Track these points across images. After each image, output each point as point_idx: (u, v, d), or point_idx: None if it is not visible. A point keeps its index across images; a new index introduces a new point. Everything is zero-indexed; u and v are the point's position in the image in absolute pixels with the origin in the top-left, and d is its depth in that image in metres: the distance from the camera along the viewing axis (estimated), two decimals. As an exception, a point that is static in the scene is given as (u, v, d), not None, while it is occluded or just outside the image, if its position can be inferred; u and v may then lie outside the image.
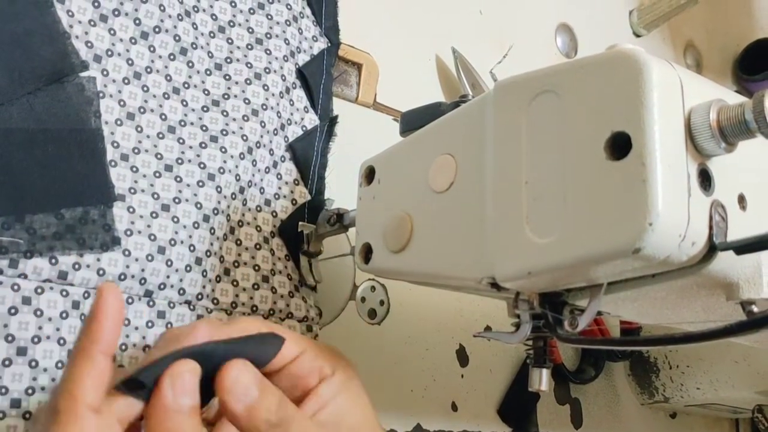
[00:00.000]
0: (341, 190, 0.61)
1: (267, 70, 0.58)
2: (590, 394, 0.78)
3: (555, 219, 0.35)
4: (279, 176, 0.58)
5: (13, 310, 0.43)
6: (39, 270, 0.44)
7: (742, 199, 0.35)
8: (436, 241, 0.43)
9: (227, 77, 0.56)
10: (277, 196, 0.57)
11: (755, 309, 0.36)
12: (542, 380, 0.44)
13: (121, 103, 0.50)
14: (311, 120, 0.61)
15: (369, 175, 0.50)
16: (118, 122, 0.49)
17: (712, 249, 0.33)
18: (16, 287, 0.43)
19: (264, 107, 0.57)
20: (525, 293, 0.40)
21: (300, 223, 0.57)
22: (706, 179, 0.33)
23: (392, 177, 0.48)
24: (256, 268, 0.54)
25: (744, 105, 0.32)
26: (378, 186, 0.48)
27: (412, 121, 0.50)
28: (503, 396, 0.70)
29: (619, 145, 0.33)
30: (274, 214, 0.57)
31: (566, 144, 0.35)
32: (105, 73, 0.49)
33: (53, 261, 0.44)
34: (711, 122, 0.33)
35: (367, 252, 0.48)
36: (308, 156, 0.60)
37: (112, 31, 0.50)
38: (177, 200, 0.51)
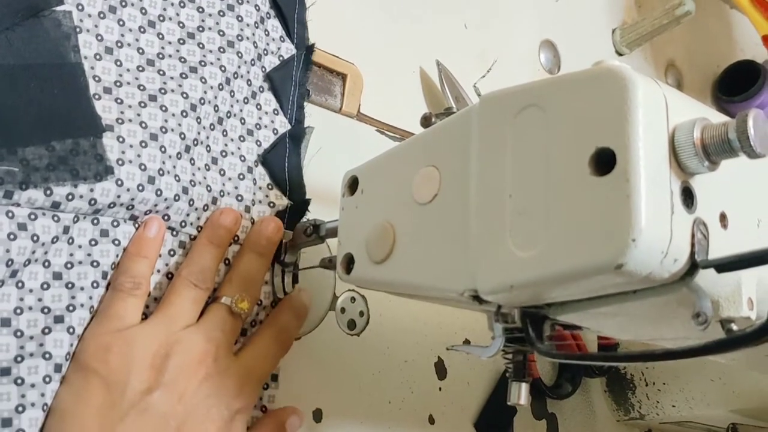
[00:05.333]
0: (323, 199, 0.61)
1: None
2: (567, 410, 0.78)
3: (538, 233, 0.35)
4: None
5: (12, 236, 0.43)
6: (33, 201, 0.44)
7: (723, 218, 0.36)
8: (419, 253, 0.43)
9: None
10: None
11: (734, 327, 0.36)
12: (521, 394, 0.44)
13: (99, 37, 0.50)
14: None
15: (352, 185, 0.49)
16: (97, 57, 0.50)
17: (693, 266, 0.33)
18: (10, 215, 0.44)
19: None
20: (506, 307, 0.40)
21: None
22: (688, 197, 0.34)
23: (376, 188, 0.48)
24: (239, 198, 0.56)
25: (727, 124, 0.32)
26: (361, 196, 0.48)
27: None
28: (480, 409, 0.70)
29: (604, 161, 0.33)
30: (258, 143, 0.58)
31: (551, 158, 0.35)
32: (80, 7, 0.50)
33: (48, 192, 0.45)
34: (695, 140, 0.33)
35: (348, 262, 0.48)
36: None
37: None
38: (164, 129, 0.51)
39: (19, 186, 0.44)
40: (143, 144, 0.50)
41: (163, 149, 0.51)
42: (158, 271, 0.50)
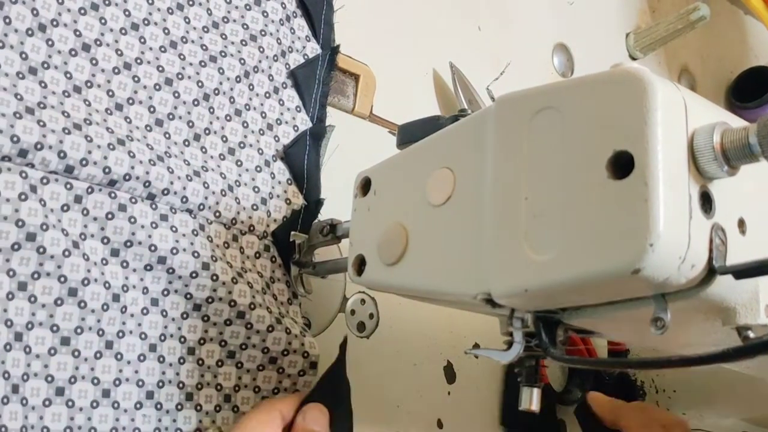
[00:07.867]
0: (335, 200, 0.61)
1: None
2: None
3: (554, 236, 0.35)
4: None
5: (23, 196, 0.44)
6: (47, 162, 0.45)
7: (741, 224, 0.35)
8: (432, 255, 0.42)
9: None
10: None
11: (751, 334, 0.35)
12: (533, 399, 0.43)
13: (126, 12, 0.51)
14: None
15: (365, 186, 0.49)
16: (123, 31, 0.51)
17: (711, 272, 0.33)
18: (24, 175, 0.44)
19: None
20: (520, 311, 0.40)
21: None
22: (707, 202, 0.33)
23: (388, 189, 0.47)
24: (256, 189, 0.56)
25: (748, 129, 0.32)
26: (374, 197, 0.48)
27: (410, 133, 0.49)
28: (501, 408, 0.70)
29: (622, 164, 0.33)
30: (276, 138, 0.58)
31: (568, 161, 0.35)
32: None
33: (62, 155, 0.45)
34: (714, 145, 0.32)
35: (360, 264, 0.47)
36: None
37: None
38: (171, 116, 0.52)
39: (34, 146, 0.44)
40: (148, 128, 0.51)
41: (167, 135, 0.52)
42: (184, 250, 0.50)
